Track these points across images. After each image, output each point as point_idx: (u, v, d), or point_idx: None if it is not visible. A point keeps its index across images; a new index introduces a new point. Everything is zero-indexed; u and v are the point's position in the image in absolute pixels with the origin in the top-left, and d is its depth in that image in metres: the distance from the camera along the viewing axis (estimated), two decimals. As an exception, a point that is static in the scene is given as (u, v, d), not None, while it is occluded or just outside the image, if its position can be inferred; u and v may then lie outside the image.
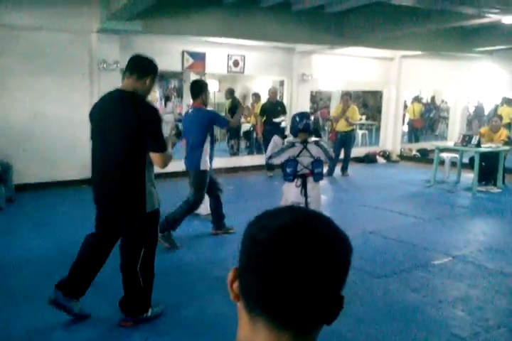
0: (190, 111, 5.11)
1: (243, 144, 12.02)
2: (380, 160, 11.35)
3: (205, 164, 4.91)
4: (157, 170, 3.11)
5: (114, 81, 7.80)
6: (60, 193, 7.08)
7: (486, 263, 4.67)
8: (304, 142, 4.38)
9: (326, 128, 14.58)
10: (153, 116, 2.95)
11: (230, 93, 11.17)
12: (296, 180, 4.39)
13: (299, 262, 0.70)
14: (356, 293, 3.80)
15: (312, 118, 8.68)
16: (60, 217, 5.97)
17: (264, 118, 9.27)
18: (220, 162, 8.34)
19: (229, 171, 9.18)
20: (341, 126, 9.41)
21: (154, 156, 2.97)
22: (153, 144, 2.94)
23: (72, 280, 3.21)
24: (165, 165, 3.05)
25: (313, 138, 4.48)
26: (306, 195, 4.38)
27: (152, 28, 7.19)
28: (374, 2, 7.08)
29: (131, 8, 6.11)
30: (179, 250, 4.82)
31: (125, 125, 2.92)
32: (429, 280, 4.22)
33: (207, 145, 4.93)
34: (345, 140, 9.45)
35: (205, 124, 4.89)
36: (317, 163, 4.37)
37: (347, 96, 9.65)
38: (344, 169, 9.51)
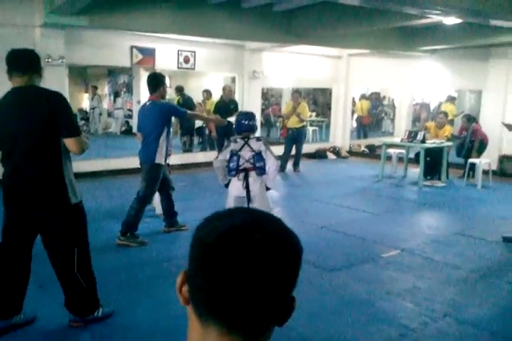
0: (147, 103, 4.97)
1: (196, 140, 11.93)
2: (331, 156, 11.56)
3: (160, 158, 4.82)
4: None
5: (59, 76, 7.58)
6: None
7: (432, 255, 4.85)
8: (246, 138, 4.45)
9: (278, 124, 14.70)
10: (61, 102, 2.84)
11: (179, 90, 11.04)
12: (238, 175, 4.44)
13: (249, 265, 0.69)
14: (308, 287, 3.86)
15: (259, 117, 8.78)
16: None
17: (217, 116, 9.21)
18: (173, 158, 8.23)
19: (181, 167, 9.10)
20: (292, 123, 9.50)
21: (68, 141, 2.83)
22: (65, 129, 2.82)
23: (3, 302, 3.00)
24: (81, 150, 2.90)
25: (255, 135, 4.56)
26: (248, 188, 4.43)
27: (98, 23, 6.98)
28: (321, 1, 7.19)
29: (76, 2, 5.92)
30: (132, 248, 4.75)
31: (32, 115, 2.79)
32: (378, 272, 4.34)
33: (163, 139, 4.81)
34: (297, 136, 9.55)
35: (163, 117, 4.79)
36: (258, 156, 4.40)
37: (297, 94, 9.77)
38: (296, 165, 9.62)
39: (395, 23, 7.59)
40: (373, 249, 5.01)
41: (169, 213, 5.32)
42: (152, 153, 4.78)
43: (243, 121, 4.48)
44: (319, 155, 11.41)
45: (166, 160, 5.00)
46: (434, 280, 4.21)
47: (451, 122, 11.26)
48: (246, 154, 4.42)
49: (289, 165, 9.53)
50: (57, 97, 2.84)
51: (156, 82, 4.90)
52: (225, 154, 4.50)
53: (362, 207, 6.77)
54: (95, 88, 15.26)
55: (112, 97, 15.07)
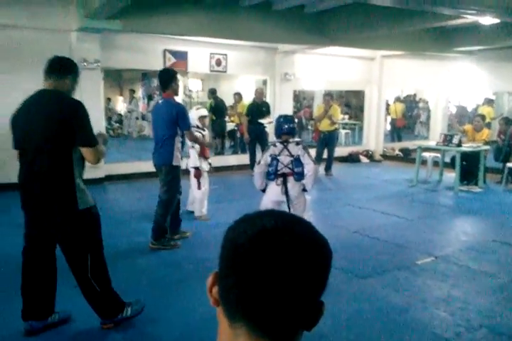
0: (160, 102, 4.86)
1: (227, 143, 11.99)
2: (364, 159, 11.41)
3: (177, 159, 4.69)
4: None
5: (95, 79, 7.74)
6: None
7: (468, 263, 4.70)
8: (285, 142, 4.42)
9: (310, 127, 14.61)
10: (78, 110, 2.84)
11: (212, 93, 11.12)
12: (276, 179, 4.42)
13: (278, 267, 0.70)
14: (340, 293, 3.80)
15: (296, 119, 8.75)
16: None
17: (249, 118, 9.22)
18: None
19: (213, 170, 9.11)
20: (324, 126, 9.42)
21: (84, 151, 2.85)
22: (81, 139, 2.82)
23: (34, 304, 3.05)
24: (97, 160, 2.92)
25: (295, 139, 4.52)
26: (287, 194, 4.41)
27: (132, 27, 7.11)
28: (352, 2, 7.11)
29: (110, 6, 6.04)
30: (163, 250, 4.78)
31: (48, 121, 2.82)
32: (412, 280, 4.23)
33: (178, 140, 4.70)
34: (328, 139, 9.46)
35: (175, 117, 4.62)
36: (297, 161, 4.38)
37: (328, 96, 9.68)
38: (328, 168, 9.53)
39: (429, 24, 7.45)
40: (407, 255, 4.88)
41: (172, 221, 5.02)
42: (169, 154, 4.63)
43: (283, 124, 4.45)
44: (352, 158, 11.27)
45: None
46: (469, 289, 4.07)
47: (489, 125, 10.96)
48: (285, 159, 4.39)
49: (321, 169, 9.43)
50: (74, 106, 2.85)
51: (167, 77, 4.69)
52: (266, 158, 4.46)
53: (396, 212, 6.63)
54: (133, 91, 15.47)
55: (146, 100, 15.26)
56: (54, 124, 2.80)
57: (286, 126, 4.44)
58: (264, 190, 4.58)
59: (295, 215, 0.81)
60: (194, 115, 5.71)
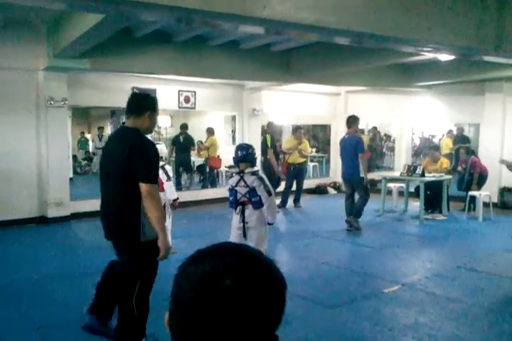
0: (346, 136, 7.33)
1: (196, 178, 12.01)
2: (331, 191, 11.59)
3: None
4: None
5: (62, 118, 7.75)
6: (6, 232, 6.86)
7: (434, 289, 4.80)
8: (242, 172, 4.48)
9: (280, 160, 14.79)
10: (144, 148, 3.03)
11: (182, 127, 11.18)
12: (236, 208, 4.51)
13: (218, 312, 0.70)
14: (308, 324, 3.81)
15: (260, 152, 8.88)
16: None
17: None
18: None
19: (181, 205, 9.08)
20: (294, 159, 9.60)
21: (140, 185, 2.99)
22: (139, 174, 2.99)
23: (102, 304, 3.32)
24: (150, 196, 2.97)
25: (250, 169, 4.49)
26: (243, 222, 4.46)
27: (100, 66, 7.22)
28: (317, 41, 7.42)
29: (78, 46, 6.14)
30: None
31: (120, 157, 3.03)
32: (379, 308, 4.29)
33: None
34: (298, 172, 9.62)
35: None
36: (252, 192, 4.41)
37: (301, 130, 9.88)
38: (296, 200, 9.63)
39: (391, 60, 7.79)
40: (375, 284, 4.96)
41: None
42: (355, 170, 7.20)
43: (237, 152, 4.53)
44: (320, 190, 11.44)
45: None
46: (436, 315, 4.14)
47: (450, 156, 11.36)
48: (241, 189, 4.45)
49: (290, 201, 9.54)
50: (140, 143, 3.04)
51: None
52: (227, 188, 4.61)
53: (363, 241, 6.74)
54: (101, 129, 15.46)
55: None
56: (123, 160, 3.00)
57: (239, 154, 4.49)
58: None
59: (249, 251, 0.80)
60: (164, 149, 5.91)
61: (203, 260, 0.76)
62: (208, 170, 11.21)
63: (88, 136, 16.86)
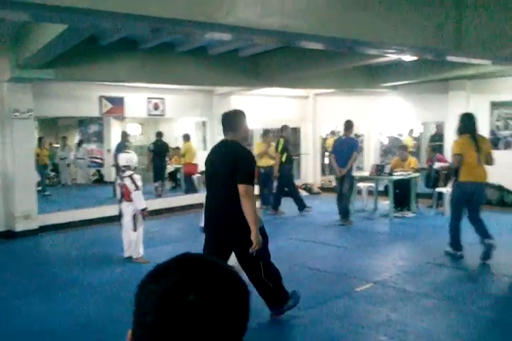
0: (343, 138, 8.14)
1: (168, 185, 11.98)
2: (303, 192, 11.68)
3: None
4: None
5: (28, 129, 7.60)
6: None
7: (405, 286, 4.91)
8: None
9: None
10: (245, 156, 3.83)
11: (157, 135, 11.26)
12: None
13: (190, 328, 0.69)
14: (281, 327, 3.88)
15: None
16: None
17: (285, 157, 9.14)
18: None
19: (153, 213, 9.05)
20: (265, 162, 9.67)
21: (239, 186, 3.69)
22: (238, 176, 3.70)
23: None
24: (246, 194, 3.67)
25: None
26: None
27: (65, 75, 7.13)
28: (284, 46, 7.53)
29: (42, 56, 6.08)
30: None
31: (227, 164, 3.77)
32: (352, 307, 4.37)
33: None
34: (269, 174, 9.68)
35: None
36: None
37: (269, 134, 9.96)
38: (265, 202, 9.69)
39: (357, 62, 7.95)
40: (347, 283, 5.04)
41: None
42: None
43: None
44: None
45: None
46: (407, 311, 4.26)
47: (416, 154, 11.63)
48: None
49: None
50: (242, 153, 3.85)
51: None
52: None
53: (335, 242, 6.84)
54: (65, 138, 15.24)
55: (74, 147, 14.90)
56: (230, 166, 3.74)
57: None
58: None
59: (205, 260, 0.80)
60: (133, 158, 5.89)
61: (164, 276, 0.75)
62: (183, 176, 11.20)
63: (56, 146, 16.59)
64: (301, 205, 9.20)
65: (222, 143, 4.03)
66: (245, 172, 3.75)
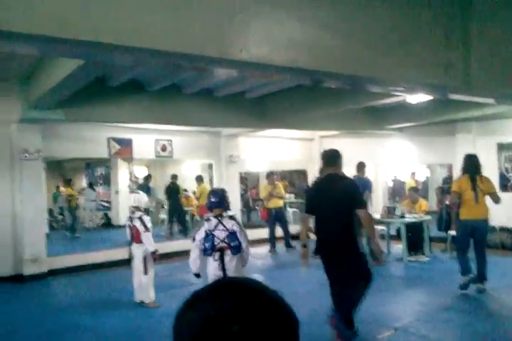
0: (355, 178, 7.21)
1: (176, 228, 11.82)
2: (313, 236, 11.45)
3: None
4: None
5: (36, 171, 7.57)
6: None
7: (427, 332, 4.66)
8: (219, 216, 4.39)
9: (257, 207, 14.72)
10: (356, 186, 4.44)
11: (172, 177, 11.46)
12: (214, 254, 4.33)
13: None
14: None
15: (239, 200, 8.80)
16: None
17: None
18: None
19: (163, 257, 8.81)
20: (273, 203, 9.58)
21: (359, 211, 4.21)
22: (358, 203, 4.24)
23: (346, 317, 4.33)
24: (367, 216, 4.32)
25: (227, 213, 4.47)
26: (224, 269, 4.31)
27: (75, 117, 7.16)
28: (290, 87, 7.59)
29: (52, 97, 6.11)
30: None
31: (342, 195, 4.21)
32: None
33: None
34: (279, 215, 9.64)
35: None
36: (232, 235, 4.32)
37: (272, 175, 10.00)
38: (288, 243, 9.54)
39: (363, 103, 7.99)
40: (368, 330, 4.75)
41: None
42: None
43: (211, 198, 4.48)
44: (301, 236, 11.29)
45: None
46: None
47: (425, 197, 11.47)
48: (220, 233, 4.32)
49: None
50: (354, 183, 4.51)
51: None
52: (201, 234, 4.40)
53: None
54: (70, 181, 15.22)
55: (87, 190, 14.89)
56: (346, 196, 4.20)
57: (212, 200, 4.45)
58: (198, 275, 4.45)
59: (248, 286, 0.73)
60: (143, 199, 5.80)
61: (203, 303, 0.69)
62: (197, 218, 11.22)
63: (63, 189, 16.54)
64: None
65: (328, 177, 4.48)
66: (360, 198, 4.45)
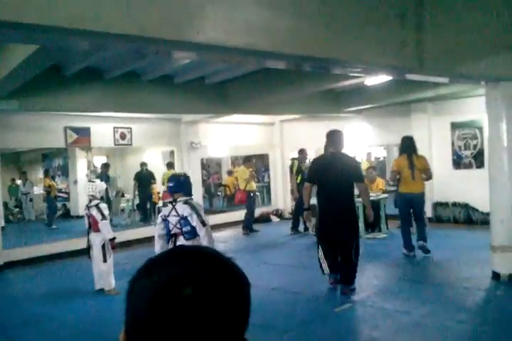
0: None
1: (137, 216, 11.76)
2: (274, 218, 11.66)
3: None
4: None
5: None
6: None
7: (383, 304, 4.89)
8: (174, 201, 4.28)
9: (219, 193, 14.82)
10: (357, 163, 5.61)
11: (142, 165, 11.34)
12: (169, 240, 4.23)
13: (187, 325, 0.64)
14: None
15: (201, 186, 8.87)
16: None
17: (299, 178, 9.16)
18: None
19: (123, 245, 8.79)
20: (252, 186, 9.98)
21: (359, 185, 5.26)
22: (355, 177, 5.16)
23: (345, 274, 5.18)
24: (365, 189, 5.55)
25: (183, 198, 4.27)
26: None
27: (30, 106, 6.98)
28: (250, 72, 7.64)
29: (5, 86, 5.96)
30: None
31: (346, 168, 5.05)
32: (332, 328, 4.30)
33: None
34: (254, 197, 9.91)
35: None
36: (183, 220, 4.16)
37: (251, 159, 10.66)
38: (250, 227, 9.94)
39: (321, 87, 8.10)
40: (325, 305, 4.99)
41: None
42: None
43: (169, 183, 4.42)
44: (263, 218, 11.47)
45: None
46: (388, 329, 4.22)
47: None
48: (173, 219, 4.21)
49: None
50: (354, 160, 5.65)
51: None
52: (159, 220, 4.36)
53: (310, 265, 6.75)
54: (25, 173, 14.88)
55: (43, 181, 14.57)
56: (348, 171, 5.05)
57: (170, 184, 4.38)
58: None
59: (201, 251, 0.75)
60: (98, 187, 5.82)
61: (157, 270, 0.69)
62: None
63: (19, 182, 16.14)
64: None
65: (333, 155, 5.19)
66: (361, 174, 5.39)
